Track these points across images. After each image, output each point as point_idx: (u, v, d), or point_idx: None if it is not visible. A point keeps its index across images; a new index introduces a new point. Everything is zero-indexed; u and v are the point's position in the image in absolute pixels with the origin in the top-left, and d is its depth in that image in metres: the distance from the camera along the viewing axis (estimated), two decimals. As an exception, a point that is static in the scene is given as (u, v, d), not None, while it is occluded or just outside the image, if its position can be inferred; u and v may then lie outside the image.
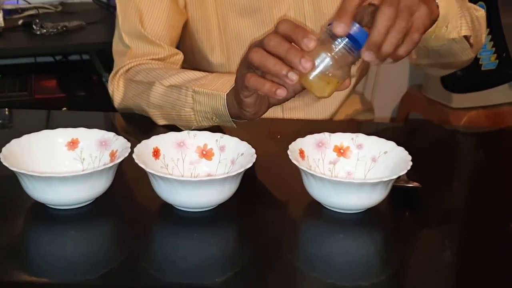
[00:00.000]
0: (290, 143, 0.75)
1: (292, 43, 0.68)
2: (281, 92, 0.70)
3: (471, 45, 0.95)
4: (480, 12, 1.03)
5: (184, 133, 0.79)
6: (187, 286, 0.61)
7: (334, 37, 0.68)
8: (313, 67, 0.67)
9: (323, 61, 0.68)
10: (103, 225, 0.72)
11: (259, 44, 0.71)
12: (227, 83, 0.86)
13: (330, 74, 0.68)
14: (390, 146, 0.77)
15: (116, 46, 1.05)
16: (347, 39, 0.67)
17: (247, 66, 0.73)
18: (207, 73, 0.92)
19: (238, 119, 0.86)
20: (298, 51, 0.67)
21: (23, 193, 0.71)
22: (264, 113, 0.81)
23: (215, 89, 0.86)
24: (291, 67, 0.67)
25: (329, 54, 0.68)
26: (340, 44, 0.68)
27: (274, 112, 1.09)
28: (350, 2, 0.67)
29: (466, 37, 0.93)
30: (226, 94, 0.84)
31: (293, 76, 0.67)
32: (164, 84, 0.93)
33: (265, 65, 0.69)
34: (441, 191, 0.81)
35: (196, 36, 1.09)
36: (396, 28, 0.67)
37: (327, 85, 0.69)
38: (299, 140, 0.77)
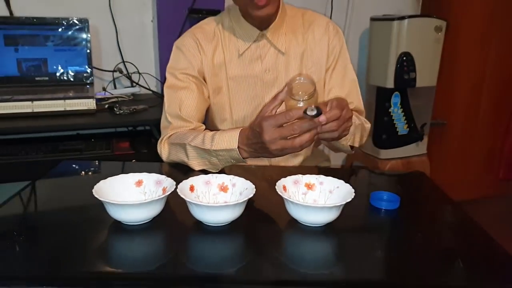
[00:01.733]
0: (277, 181, 0.75)
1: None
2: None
3: (352, 147, 1.01)
4: (368, 125, 1.09)
5: (210, 175, 0.78)
6: (212, 275, 0.60)
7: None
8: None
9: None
10: (158, 235, 0.70)
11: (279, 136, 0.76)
12: (231, 137, 0.86)
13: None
14: (340, 183, 0.77)
15: (162, 123, 1.05)
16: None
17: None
18: (213, 133, 0.91)
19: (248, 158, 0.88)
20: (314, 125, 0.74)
21: (107, 214, 0.71)
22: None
23: (227, 145, 0.86)
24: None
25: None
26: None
27: (264, 163, 1.09)
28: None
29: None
30: (238, 147, 0.85)
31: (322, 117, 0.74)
32: (191, 144, 0.92)
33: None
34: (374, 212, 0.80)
35: (214, 115, 1.09)
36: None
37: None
38: (282, 179, 0.77)
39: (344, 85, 1.10)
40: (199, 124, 1.04)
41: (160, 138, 1.03)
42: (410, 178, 1.03)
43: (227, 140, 0.87)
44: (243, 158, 0.87)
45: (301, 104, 0.73)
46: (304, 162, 1.15)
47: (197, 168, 0.95)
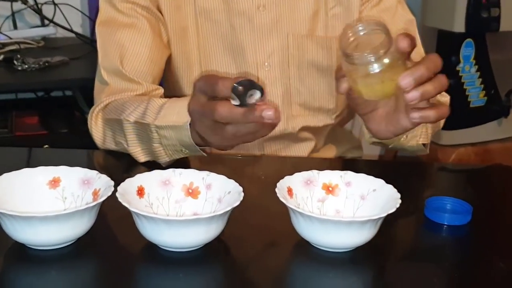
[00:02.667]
0: (277, 180, 0.75)
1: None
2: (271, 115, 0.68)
3: (426, 145, 0.99)
4: (445, 99, 1.06)
5: (169, 171, 0.78)
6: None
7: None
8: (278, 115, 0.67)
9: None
10: (85, 266, 0.71)
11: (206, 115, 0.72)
12: (184, 105, 0.83)
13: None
14: (379, 184, 0.77)
15: (96, 82, 1.05)
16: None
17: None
18: (165, 100, 0.90)
19: (207, 146, 0.86)
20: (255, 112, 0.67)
21: (3, 233, 0.70)
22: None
23: (176, 120, 0.84)
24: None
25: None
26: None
27: (255, 151, 1.10)
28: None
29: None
30: (190, 124, 0.82)
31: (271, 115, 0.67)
32: (130, 120, 0.92)
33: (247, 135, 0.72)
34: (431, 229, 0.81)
35: (177, 72, 1.09)
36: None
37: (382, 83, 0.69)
38: (287, 178, 0.77)
39: (395, 29, 1.08)
40: (154, 86, 1.04)
41: (92, 109, 1.03)
42: (488, 176, 1.04)
43: (178, 110, 0.85)
44: (197, 146, 0.84)
45: (374, 69, 0.67)
46: (317, 151, 1.16)
47: (142, 158, 0.95)
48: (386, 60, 0.68)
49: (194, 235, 0.69)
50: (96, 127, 1.00)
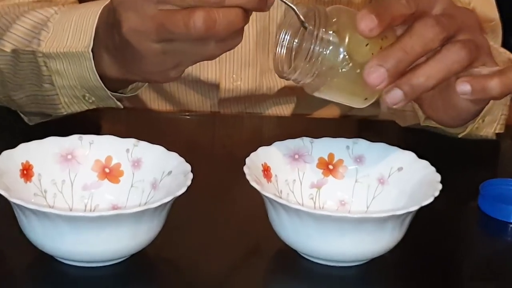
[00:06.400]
0: (247, 153, 0.74)
1: None
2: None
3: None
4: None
5: (74, 138, 0.77)
6: None
7: None
8: None
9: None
10: None
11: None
12: (87, 25, 0.83)
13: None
14: (407, 159, 0.77)
15: None
16: None
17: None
18: (58, 8, 0.91)
19: (123, 91, 0.87)
20: None
21: None
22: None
23: (73, 46, 0.84)
24: None
25: None
26: None
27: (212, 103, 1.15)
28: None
29: None
30: (93, 50, 0.82)
31: None
32: (6, 48, 0.91)
33: None
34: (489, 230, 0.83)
35: None
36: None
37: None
38: (262, 149, 0.76)
39: None
40: None
41: None
42: None
43: (76, 24, 0.84)
44: (107, 89, 0.85)
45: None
46: (308, 107, 1.18)
47: (31, 116, 0.98)
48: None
49: (114, 241, 0.67)
50: None
